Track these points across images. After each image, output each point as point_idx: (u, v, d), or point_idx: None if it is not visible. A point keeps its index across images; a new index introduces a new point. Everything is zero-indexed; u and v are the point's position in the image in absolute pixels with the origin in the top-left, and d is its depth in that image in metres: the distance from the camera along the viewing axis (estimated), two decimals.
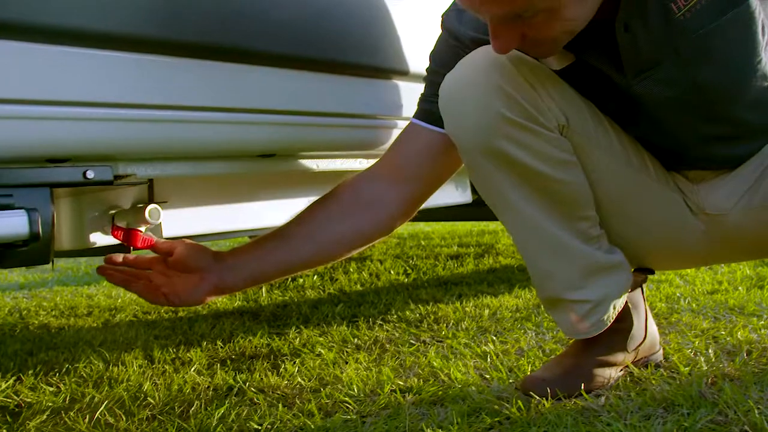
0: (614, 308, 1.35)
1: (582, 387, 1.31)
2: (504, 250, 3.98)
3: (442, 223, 5.89)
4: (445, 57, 1.34)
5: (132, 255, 1.33)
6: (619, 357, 1.41)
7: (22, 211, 1.01)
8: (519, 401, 1.26)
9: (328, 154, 1.56)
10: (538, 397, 1.29)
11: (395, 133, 1.57)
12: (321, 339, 1.96)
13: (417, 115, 1.38)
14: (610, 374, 1.38)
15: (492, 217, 3.15)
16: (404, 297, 2.58)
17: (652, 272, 1.51)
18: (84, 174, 1.09)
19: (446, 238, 5.00)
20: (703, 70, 1.17)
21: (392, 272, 3.29)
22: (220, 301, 2.72)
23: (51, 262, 1.16)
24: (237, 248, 1.36)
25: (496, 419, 1.21)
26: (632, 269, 1.41)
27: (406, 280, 3.11)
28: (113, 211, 1.38)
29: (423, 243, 4.64)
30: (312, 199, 1.40)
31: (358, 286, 3.00)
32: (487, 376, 1.48)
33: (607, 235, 1.35)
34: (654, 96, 1.21)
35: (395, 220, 1.40)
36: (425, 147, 1.37)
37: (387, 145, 1.53)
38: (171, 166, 1.24)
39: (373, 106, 1.54)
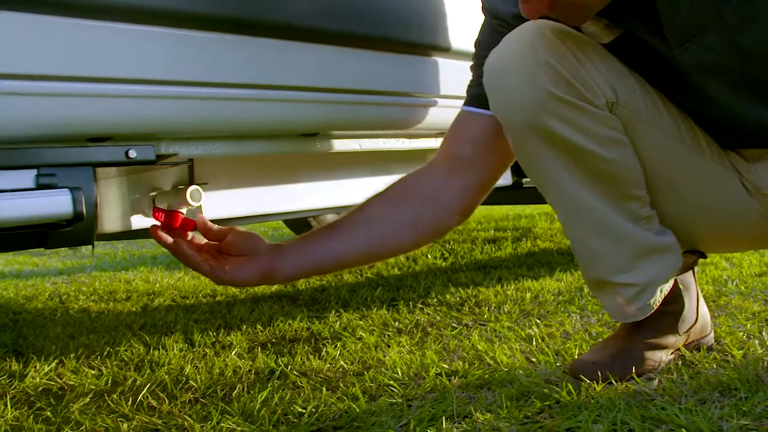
0: (661, 292, 1.31)
1: (633, 370, 1.28)
2: (542, 233, 3.93)
3: (478, 207, 5.84)
4: (489, 40, 1.30)
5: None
6: (670, 340, 1.37)
7: (66, 190, 0.99)
8: (568, 384, 1.23)
9: (370, 133, 1.53)
10: (588, 381, 1.25)
11: (436, 112, 1.54)
12: (361, 323, 1.94)
13: (467, 102, 1.36)
14: (660, 357, 1.35)
15: (529, 201, 3.12)
16: (443, 281, 2.56)
17: (704, 256, 1.46)
18: (126, 153, 1.08)
19: (482, 222, 4.96)
20: (748, 35, 1.12)
21: (429, 256, 3.26)
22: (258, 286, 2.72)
23: (93, 244, 1.15)
24: (291, 239, 1.34)
25: (545, 403, 1.18)
26: (682, 251, 1.37)
27: (444, 264, 3.09)
28: (154, 193, 1.36)
29: (459, 227, 4.60)
30: (353, 180, 1.37)
31: (396, 270, 2.98)
32: (534, 360, 1.45)
33: (658, 216, 1.31)
34: (698, 64, 1.17)
35: (454, 213, 1.36)
36: (478, 132, 1.33)
37: (430, 124, 1.50)
38: (213, 145, 1.23)
39: (416, 84, 1.52)
